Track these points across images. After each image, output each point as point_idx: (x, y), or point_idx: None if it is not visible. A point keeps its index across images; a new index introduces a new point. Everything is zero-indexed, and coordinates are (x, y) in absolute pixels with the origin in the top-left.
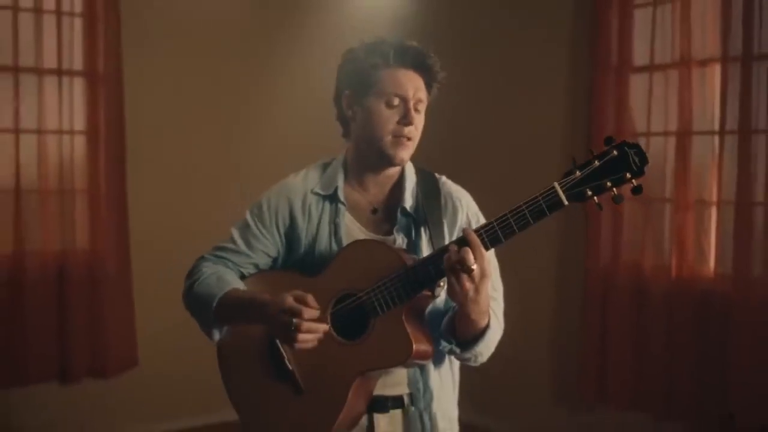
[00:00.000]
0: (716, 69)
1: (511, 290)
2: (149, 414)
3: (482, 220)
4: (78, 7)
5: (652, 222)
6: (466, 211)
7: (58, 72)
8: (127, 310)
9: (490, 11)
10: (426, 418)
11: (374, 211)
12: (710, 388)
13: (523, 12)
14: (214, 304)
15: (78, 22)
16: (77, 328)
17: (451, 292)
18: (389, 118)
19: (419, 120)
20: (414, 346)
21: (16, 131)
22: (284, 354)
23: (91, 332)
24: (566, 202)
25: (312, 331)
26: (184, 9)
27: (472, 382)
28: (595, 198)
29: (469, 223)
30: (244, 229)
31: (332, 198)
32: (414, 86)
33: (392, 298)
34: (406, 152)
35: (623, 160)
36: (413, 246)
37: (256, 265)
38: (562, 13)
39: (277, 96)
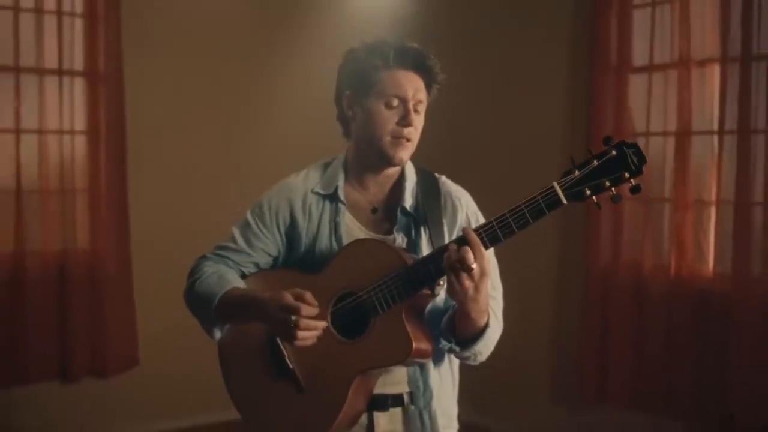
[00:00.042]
0: (715, 69)
1: (511, 290)
2: (149, 413)
3: (482, 220)
4: (79, 8)
5: (651, 222)
6: (466, 210)
7: (59, 72)
8: (128, 309)
9: (490, 11)
10: (426, 416)
11: (374, 210)
12: (710, 388)
13: (523, 12)
14: (215, 303)
15: (79, 23)
16: (78, 328)
17: (450, 291)
18: (389, 118)
19: (419, 121)
20: (414, 345)
21: (17, 131)
22: (285, 352)
23: (92, 332)
24: (565, 202)
25: (310, 329)
26: (184, 9)
27: (472, 381)
28: (594, 197)
29: (469, 223)
30: (245, 228)
31: (332, 197)
32: (414, 87)
33: (392, 296)
34: (405, 153)
35: (622, 160)
36: (413, 245)
37: (257, 264)
38: (562, 14)
39: (277, 96)
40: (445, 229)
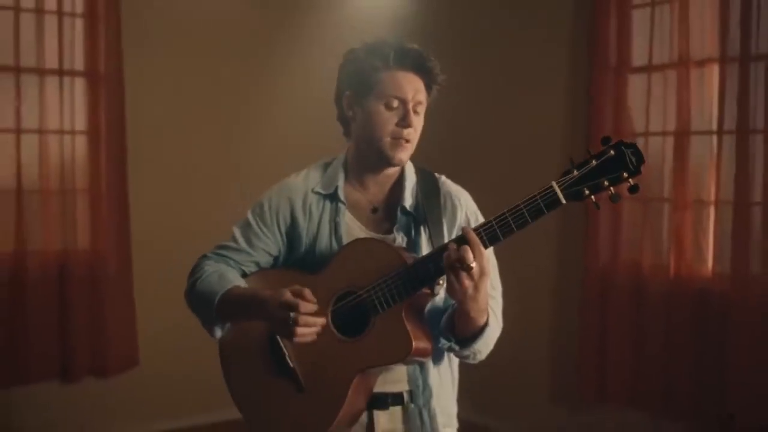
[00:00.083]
0: (714, 69)
1: (511, 290)
2: (150, 413)
3: (481, 219)
4: (79, 8)
5: (650, 221)
6: (465, 210)
7: (60, 72)
8: (128, 309)
9: (490, 11)
10: (425, 414)
11: (374, 210)
12: (708, 387)
13: (523, 12)
14: (216, 301)
15: (79, 23)
16: (78, 328)
17: (450, 290)
18: (388, 119)
19: (418, 122)
20: (414, 344)
21: (18, 131)
22: (285, 351)
23: (92, 332)
24: (564, 201)
25: (309, 325)
26: (184, 9)
27: (471, 381)
28: (593, 197)
29: (468, 222)
30: (246, 228)
31: (332, 197)
32: (413, 88)
33: (392, 295)
34: (404, 153)
35: (620, 160)
36: (413, 244)
37: (258, 264)
38: (562, 14)
39: (277, 96)
40: (445, 228)
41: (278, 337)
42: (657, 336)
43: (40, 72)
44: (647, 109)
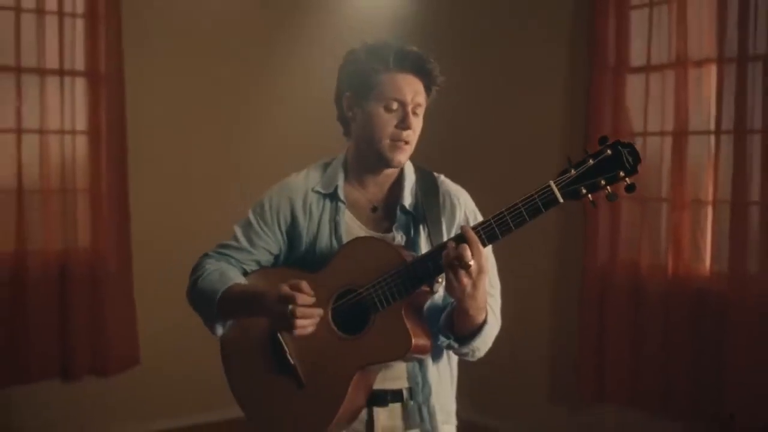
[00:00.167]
0: (712, 69)
1: (510, 290)
2: (150, 412)
3: (480, 218)
4: (80, 8)
5: (648, 221)
6: (464, 208)
7: (60, 72)
8: (129, 308)
9: (490, 11)
10: (425, 411)
11: (374, 209)
12: (707, 387)
13: (523, 13)
14: (217, 299)
15: (80, 23)
16: (79, 327)
17: (449, 288)
18: (388, 121)
19: (417, 123)
20: (413, 341)
21: (18, 131)
22: (286, 348)
23: (93, 331)
24: (561, 200)
25: (307, 317)
26: (184, 9)
27: (471, 381)
28: (590, 196)
29: (467, 221)
30: (247, 227)
31: (332, 196)
32: (413, 90)
33: (392, 293)
34: (403, 155)
35: (617, 159)
36: (412, 243)
37: (258, 262)
38: (561, 14)
39: (277, 96)
40: (444, 227)
41: (279, 334)
42: (655, 335)
43: (41, 72)
44: (645, 109)
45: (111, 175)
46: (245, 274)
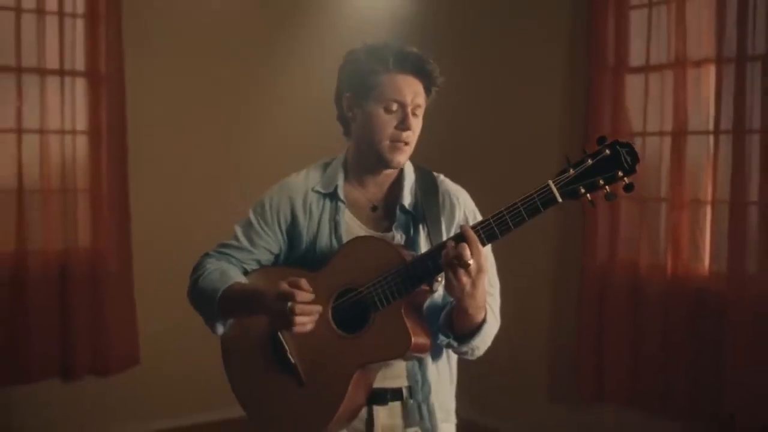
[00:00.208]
0: (711, 69)
1: (509, 289)
2: (150, 412)
3: (479, 217)
4: (80, 8)
5: (647, 221)
6: (464, 208)
7: (61, 72)
8: (129, 308)
9: (490, 11)
10: (424, 410)
11: (374, 208)
12: (705, 386)
13: (522, 13)
14: (218, 298)
15: (80, 23)
16: (79, 327)
17: (448, 287)
18: (387, 122)
19: (417, 124)
20: (413, 339)
21: (19, 131)
22: (286, 347)
23: (93, 330)
24: (560, 200)
25: (306, 313)
26: (184, 9)
27: (471, 380)
28: (588, 195)
29: (466, 220)
30: (247, 226)
31: (332, 196)
32: (412, 91)
33: (392, 292)
34: (402, 156)
35: (615, 159)
36: (412, 242)
37: (259, 262)
38: (561, 14)
39: (277, 96)
40: (443, 226)
41: (279, 333)
42: (654, 335)
43: (41, 72)
44: (645, 109)
45: (111, 175)
46: (246, 273)
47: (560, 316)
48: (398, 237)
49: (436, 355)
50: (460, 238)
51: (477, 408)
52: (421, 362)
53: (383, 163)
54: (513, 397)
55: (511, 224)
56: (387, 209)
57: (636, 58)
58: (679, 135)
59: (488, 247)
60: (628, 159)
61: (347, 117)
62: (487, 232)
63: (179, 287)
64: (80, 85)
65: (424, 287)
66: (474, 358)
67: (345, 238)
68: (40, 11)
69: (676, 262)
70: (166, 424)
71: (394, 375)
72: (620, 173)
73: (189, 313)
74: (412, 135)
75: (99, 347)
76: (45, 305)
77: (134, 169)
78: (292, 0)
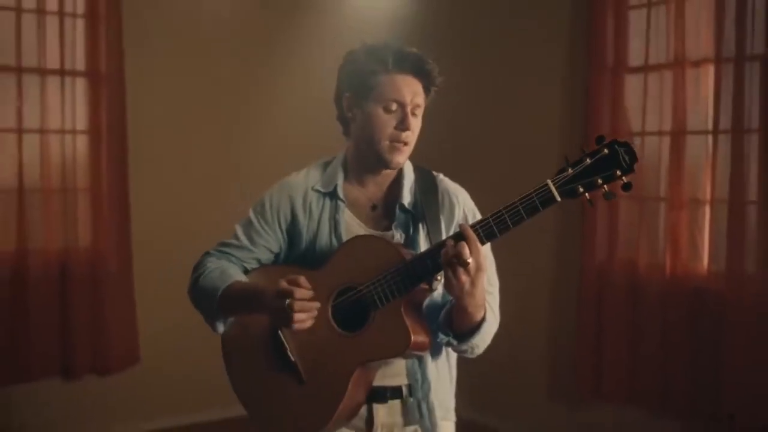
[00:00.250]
0: (710, 69)
1: (508, 288)
2: (150, 411)
3: (478, 216)
4: (80, 8)
5: (646, 220)
6: (463, 207)
7: (61, 72)
8: (129, 307)
9: (490, 12)
10: (424, 407)
11: (373, 207)
12: (704, 386)
13: (522, 13)
14: (218, 296)
15: (80, 23)
16: (79, 326)
17: (448, 286)
18: (387, 122)
19: (416, 124)
20: (412, 338)
21: (19, 131)
22: (286, 345)
23: (93, 329)
24: (559, 199)
25: (305, 310)
26: (184, 9)
27: (470, 379)
28: (587, 195)
29: (466, 219)
30: (247, 225)
31: (332, 195)
32: (412, 91)
33: (391, 291)
34: (402, 156)
35: (613, 158)
36: (411, 241)
37: (259, 260)
38: (560, 14)
39: (277, 96)
40: (443, 225)
41: (279, 331)
42: (653, 334)
43: (42, 72)
44: (644, 108)
45: (111, 174)
46: (246, 272)
47: (559, 316)
48: (398, 236)
49: (435, 353)
50: (460, 236)
51: (476, 407)
52: (420, 360)
53: (382, 163)
54: (512, 396)
55: (510, 223)
56: (386, 208)
57: (635, 58)
58: (678, 135)
59: (487, 246)
60: (627, 158)
61: (347, 117)
62: (486, 231)
63: (179, 287)
64: (80, 84)
65: (424, 286)
66: (473, 356)
67: (345, 237)
68: (41, 11)
69: (675, 262)
70: (166, 423)
71: (394, 373)
72: (618, 172)
73: (189, 312)
74: (412, 135)
75: (99, 346)
76: (45, 304)
77: (134, 169)
78: (292, 0)
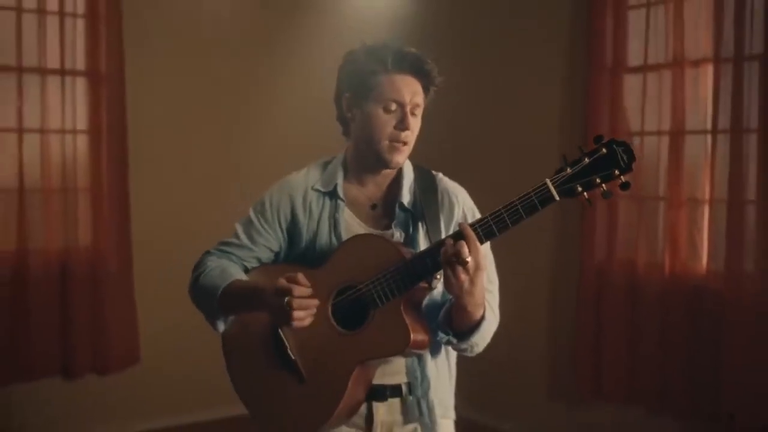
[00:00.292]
0: (709, 69)
1: (507, 288)
2: (150, 410)
3: (477, 215)
4: (80, 8)
5: (645, 220)
6: (462, 206)
7: (61, 72)
8: (129, 307)
9: (489, 12)
10: (423, 406)
11: (373, 206)
12: (703, 385)
13: (522, 13)
14: (218, 295)
15: (80, 23)
16: (80, 325)
17: (447, 285)
18: (386, 122)
19: (415, 124)
20: (412, 336)
21: (20, 131)
22: (287, 344)
23: (94, 329)
24: (557, 198)
25: (304, 307)
26: (185, 9)
27: (470, 379)
28: (585, 194)
29: (465, 218)
30: (248, 224)
31: (332, 194)
32: (411, 91)
33: (391, 290)
34: (401, 156)
35: (612, 158)
36: (411, 240)
37: (259, 259)
38: (560, 15)
39: (277, 96)
40: (442, 224)
41: (279, 330)
42: (652, 334)
43: (42, 72)
44: (643, 108)
45: (112, 174)
46: (246, 271)
47: (559, 315)
48: (397, 235)
49: (435, 351)
50: (459, 235)
51: (476, 406)
52: (420, 359)
53: (382, 163)
54: (512, 396)
55: (509, 222)
56: (386, 207)
57: (634, 58)
58: (677, 134)
59: (487, 245)
60: (625, 157)
61: (346, 117)
62: (485, 230)
63: (179, 287)
64: (81, 84)
65: (423, 285)
66: (473, 354)
67: (344, 236)
68: (41, 11)
69: (674, 261)
70: (166, 423)
71: (394, 371)
72: (617, 171)
73: (189, 312)
74: (411, 135)
75: (99, 346)
76: (46, 304)
77: (134, 169)
78: (292, 0)
